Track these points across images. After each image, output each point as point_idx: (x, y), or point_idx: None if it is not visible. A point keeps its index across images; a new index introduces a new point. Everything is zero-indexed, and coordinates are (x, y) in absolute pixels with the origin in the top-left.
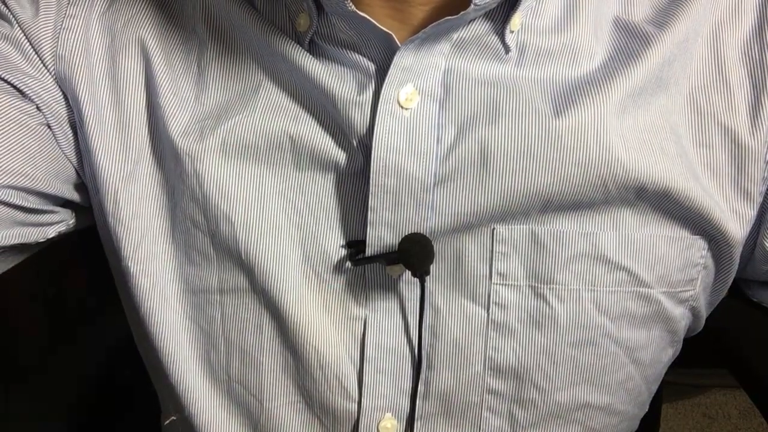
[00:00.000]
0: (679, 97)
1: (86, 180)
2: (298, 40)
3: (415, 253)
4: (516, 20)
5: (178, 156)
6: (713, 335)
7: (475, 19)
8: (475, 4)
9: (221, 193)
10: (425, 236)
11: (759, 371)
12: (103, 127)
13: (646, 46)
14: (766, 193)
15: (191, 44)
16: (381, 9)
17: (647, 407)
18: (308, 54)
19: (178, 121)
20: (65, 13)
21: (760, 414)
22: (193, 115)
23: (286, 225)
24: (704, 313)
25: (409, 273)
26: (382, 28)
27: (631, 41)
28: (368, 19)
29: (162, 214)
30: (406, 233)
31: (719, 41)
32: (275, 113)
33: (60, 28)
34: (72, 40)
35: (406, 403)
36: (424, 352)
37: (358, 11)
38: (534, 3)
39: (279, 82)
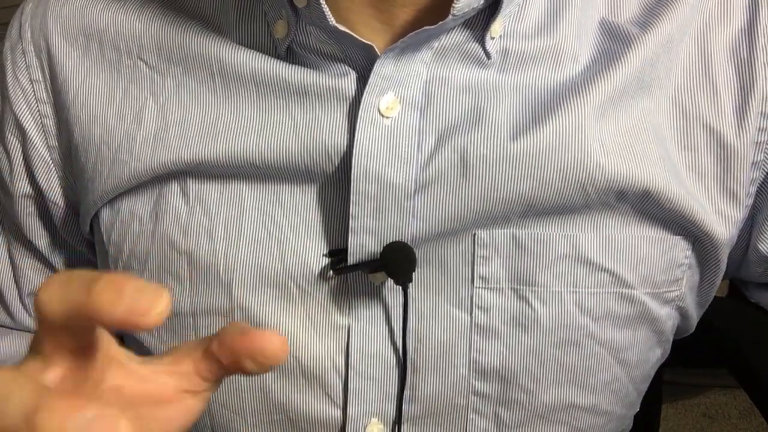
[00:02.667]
0: (664, 99)
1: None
2: (275, 48)
3: (397, 262)
4: (496, 27)
5: (166, 177)
6: (713, 335)
7: (454, 28)
8: (454, 15)
9: (204, 210)
10: (407, 244)
11: (758, 371)
12: (95, 155)
13: (627, 48)
14: (756, 194)
15: (142, 76)
16: (363, 8)
17: (638, 407)
18: (284, 63)
19: (161, 145)
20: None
21: (760, 414)
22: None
23: (266, 239)
24: (694, 313)
25: (392, 280)
26: (362, 40)
27: (612, 43)
28: (349, 33)
29: (142, 240)
30: (388, 240)
31: (707, 41)
32: (239, 135)
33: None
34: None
35: (392, 408)
36: (408, 357)
37: (339, 26)
38: (516, 9)
39: (244, 101)
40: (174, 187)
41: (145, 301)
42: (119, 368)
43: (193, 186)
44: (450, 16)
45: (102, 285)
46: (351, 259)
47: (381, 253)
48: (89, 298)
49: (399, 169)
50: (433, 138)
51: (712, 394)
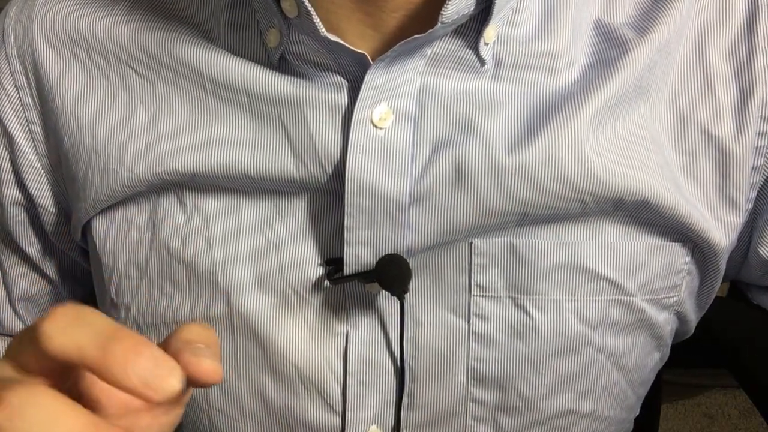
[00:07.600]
0: (661, 104)
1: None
2: (268, 56)
3: (392, 275)
4: (490, 32)
5: (162, 186)
6: (713, 335)
7: (447, 35)
8: (443, 22)
9: (202, 218)
10: (401, 257)
11: (758, 371)
12: (86, 163)
13: (625, 54)
14: (756, 199)
15: (131, 83)
16: (352, 14)
17: (637, 410)
18: (277, 73)
19: (156, 156)
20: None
21: (760, 414)
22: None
23: (264, 246)
24: (692, 317)
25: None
26: (354, 50)
27: (609, 48)
28: (341, 43)
29: (141, 248)
30: (384, 252)
31: (704, 43)
32: (232, 147)
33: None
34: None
35: (390, 415)
36: (407, 364)
37: (330, 36)
38: (510, 13)
39: (235, 111)
40: (171, 196)
41: (159, 378)
42: (93, 381)
43: (189, 195)
44: (439, 24)
45: (120, 349)
46: (347, 270)
47: (375, 266)
48: (102, 358)
49: (393, 182)
50: (428, 149)
51: (712, 394)
